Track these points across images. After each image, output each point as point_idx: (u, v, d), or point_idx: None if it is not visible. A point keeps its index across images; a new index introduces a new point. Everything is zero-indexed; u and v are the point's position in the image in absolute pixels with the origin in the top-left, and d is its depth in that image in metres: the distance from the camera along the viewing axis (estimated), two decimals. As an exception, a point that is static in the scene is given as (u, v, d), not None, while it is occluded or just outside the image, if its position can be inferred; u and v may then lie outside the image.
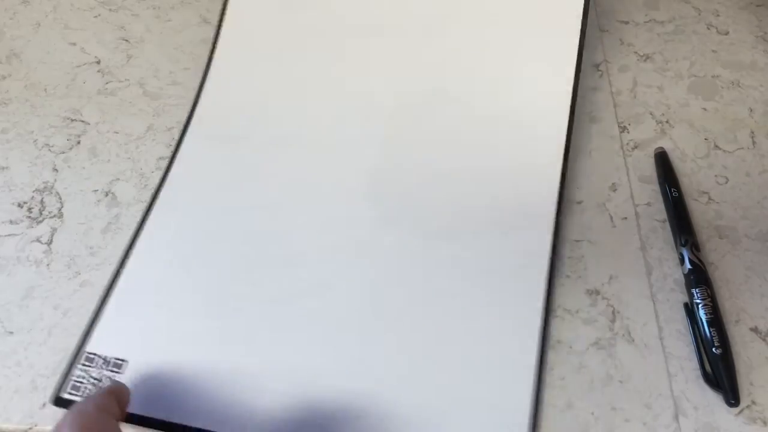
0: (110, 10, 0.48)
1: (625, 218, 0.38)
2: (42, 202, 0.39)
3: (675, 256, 0.37)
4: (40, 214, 0.39)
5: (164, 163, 0.40)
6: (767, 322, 0.34)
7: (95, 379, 0.32)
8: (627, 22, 0.47)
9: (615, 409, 0.32)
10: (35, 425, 0.32)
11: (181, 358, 0.32)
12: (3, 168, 0.40)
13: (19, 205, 0.39)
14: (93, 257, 0.37)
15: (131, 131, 0.42)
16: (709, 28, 0.46)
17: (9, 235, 0.38)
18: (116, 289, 0.35)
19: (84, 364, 0.32)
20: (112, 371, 0.32)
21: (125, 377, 0.32)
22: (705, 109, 0.42)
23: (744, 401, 0.32)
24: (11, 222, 0.38)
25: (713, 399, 0.32)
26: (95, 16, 0.47)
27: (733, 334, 0.34)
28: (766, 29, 0.46)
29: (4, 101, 0.43)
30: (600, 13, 0.47)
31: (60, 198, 0.39)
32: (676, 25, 0.47)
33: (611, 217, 0.38)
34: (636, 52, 0.45)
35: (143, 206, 0.39)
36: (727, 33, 0.46)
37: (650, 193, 0.39)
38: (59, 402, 0.31)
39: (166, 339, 0.33)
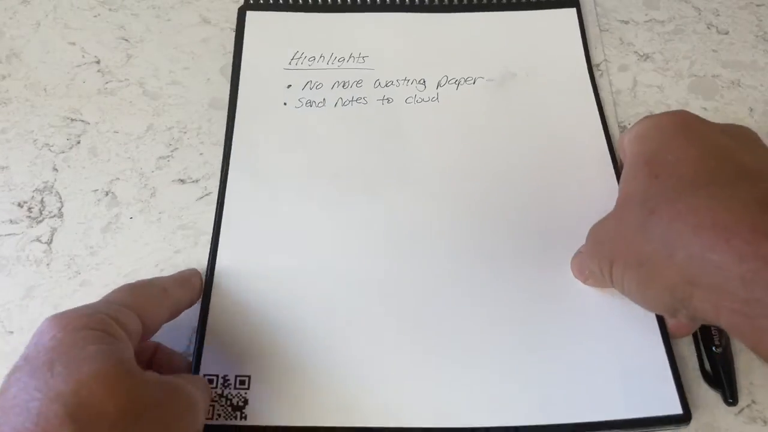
0: (110, 9, 0.48)
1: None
2: (42, 201, 0.39)
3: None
4: (40, 213, 0.39)
5: (164, 163, 0.40)
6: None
7: (222, 396, 0.31)
8: (627, 22, 0.47)
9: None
10: (35, 425, 0.32)
11: (296, 364, 0.32)
12: (3, 168, 0.40)
13: (19, 205, 0.39)
14: (93, 257, 0.37)
15: (131, 131, 0.42)
16: (709, 28, 0.46)
17: (9, 234, 0.38)
18: (210, 312, 0.34)
19: None
20: (239, 389, 0.32)
21: (252, 391, 0.32)
22: (705, 108, 0.42)
23: (744, 401, 0.32)
24: (11, 222, 0.38)
25: (713, 399, 0.32)
26: (95, 16, 0.47)
27: (733, 334, 0.34)
28: (766, 29, 0.46)
29: (4, 101, 0.43)
30: (600, 12, 0.47)
31: (60, 198, 0.39)
32: (676, 24, 0.47)
33: (611, 217, 0.38)
34: (636, 52, 0.45)
35: (142, 206, 0.39)
36: (727, 33, 0.46)
37: (650, 193, 0.39)
38: None
39: (274, 349, 0.33)
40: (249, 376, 0.32)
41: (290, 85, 0.43)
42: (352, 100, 0.42)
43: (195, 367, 0.32)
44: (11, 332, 0.35)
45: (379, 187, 0.38)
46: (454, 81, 0.43)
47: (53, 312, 0.35)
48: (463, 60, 0.44)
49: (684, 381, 0.32)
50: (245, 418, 0.31)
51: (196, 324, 0.34)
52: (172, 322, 0.35)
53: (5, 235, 0.38)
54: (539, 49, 0.44)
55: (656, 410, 0.31)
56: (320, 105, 0.42)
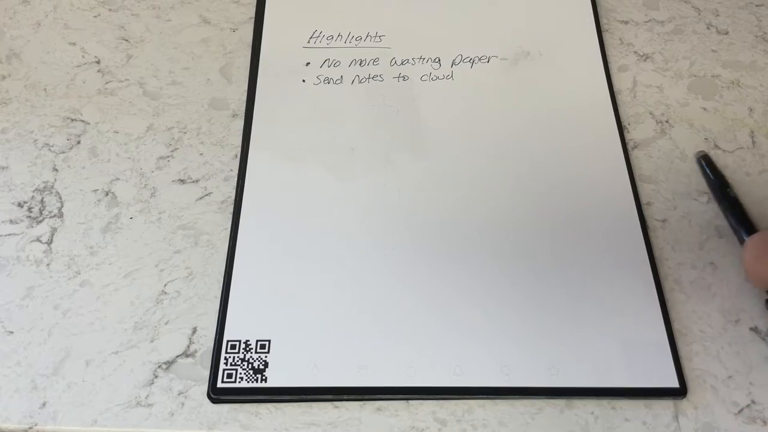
0: (110, 10, 0.48)
1: (625, 218, 0.38)
2: (42, 201, 0.39)
3: (675, 256, 0.37)
4: (40, 213, 0.39)
5: (164, 163, 0.40)
6: (767, 322, 0.35)
7: (244, 361, 0.33)
8: (627, 22, 0.47)
9: (615, 408, 0.32)
10: (35, 425, 0.32)
11: (312, 328, 0.34)
12: (3, 168, 0.40)
13: (19, 205, 0.39)
14: (93, 257, 0.37)
15: (131, 131, 0.42)
16: (708, 28, 0.46)
17: (9, 234, 0.38)
18: (233, 279, 0.36)
19: (229, 352, 0.33)
20: (259, 352, 0.33)
21: (272, 355, 0.33)
22: (705, 108, 0.43)
23: (744, 401, 0.32)
24: (11, 222, 0.38)
25: (713, 399, 0.32)
26: (95, 16, 0.47)
27: (733, 334, 0.34)
28: (766, 29, 0.46)
29: (4, 101, 0.43)
30: (600, 13, 0.47)
31: (60, 198, 0.39)
32: (676, 24, 0.47)
33: (611, 217, 0.38)
34: (636, 52, 0.45)
35: (142, 206, 0.39)
36: (726, 33, 0.46)
37: (650, 193, 0.39)
38: (217, 392, 0.33)
39: (292, 314, 0.35)
40: (269, 341, 0.34)
41: (309, 63, 0.44)
42: (368, 78, 0.44)
43: (219, 334, 0.34)
44: (11, 332, 0.35)
45: (393, 163, 0.40)
46: (468, 59, 0.44)
47: (53, 312, 0.35)
48: (477, 39, 0.45)
49: (686, 381, 0.32)
50: (266, 380, 0.33)
51: (196, 324, 0.35)
52: (171, 323, 0.35)
53: (5, 235, 0.38)
54: (552, 27, 0.46)
55: (655, 382, 0.33)
56: (338, 82, 0.43)
